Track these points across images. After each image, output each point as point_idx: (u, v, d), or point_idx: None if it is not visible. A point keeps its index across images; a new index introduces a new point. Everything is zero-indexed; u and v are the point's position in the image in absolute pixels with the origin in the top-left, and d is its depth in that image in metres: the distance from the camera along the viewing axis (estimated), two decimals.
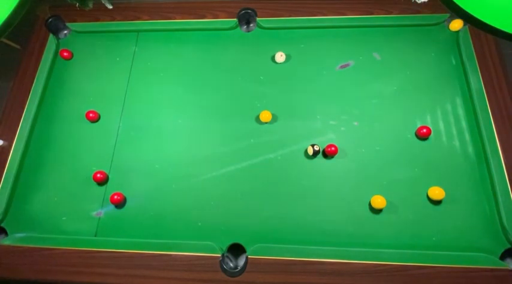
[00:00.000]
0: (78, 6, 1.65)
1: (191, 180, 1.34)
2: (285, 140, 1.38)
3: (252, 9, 1.58)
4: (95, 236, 1.28)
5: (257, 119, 1.42)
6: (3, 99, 1.50)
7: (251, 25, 1.61)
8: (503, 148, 1.27)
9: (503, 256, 1.16)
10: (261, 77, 1.50)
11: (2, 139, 1.41)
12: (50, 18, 1.62)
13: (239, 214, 1.28)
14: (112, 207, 1.31)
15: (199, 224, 1.28)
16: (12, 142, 1.41)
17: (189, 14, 1.62)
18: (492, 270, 1.12)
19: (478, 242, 1.18)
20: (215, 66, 1.54)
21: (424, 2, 1.53)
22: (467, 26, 1.48)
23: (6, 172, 1.36)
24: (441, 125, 1.36)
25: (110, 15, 1.64)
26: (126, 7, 1.67)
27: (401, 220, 1.23)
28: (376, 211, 1.25)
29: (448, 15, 1.51)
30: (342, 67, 1.49)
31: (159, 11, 1.64)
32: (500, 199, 1.21)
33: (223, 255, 1.19)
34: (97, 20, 1.64)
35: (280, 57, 1.49)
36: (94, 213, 1.32)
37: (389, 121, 1.38)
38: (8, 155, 1.39)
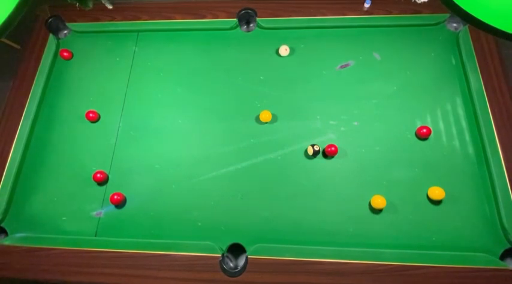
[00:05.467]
0: (78, 6, 1.65)
1: (191, 180, 1.34)
2: (285, 140, 1.38)
3: (252, 9, 1.58)
4: (95, 236, 1.28)
5: (257, 119, 1.42)
6: (3, 99, 1.50)
7: (251, 25, 1.61)
8: (503, 148, 1.27)
9: (503, 256, 1.16)
10: (261, 77, 1.50)
11: None
12: (50, 18, 1.62)
13: (239, 214, 1.28)
14: (112, 207, 1.31)
15: (199, 224, 1.28)
16: (12, 142, 1.41)
17: (189, 14, 1.62)
18: (492, 270, 1.12)
19: (478, 242, 1.19)
20: (215, 66, 1.54)
21: (424, 2, 1.53)
22: (467, 26, 1.48)
23: (6, 172, 1.36)
24: (441, 125, 1.36)
25: (110, 15, 1.64)
26: (126, 7, 1.66)
27: (401, 220, 1.23)
28: (376, 211, 1.25)
29: (448, 15, 1.51)
30: (342, 67, 1.49)
31: (159, 11, 1.64)
32: (500, 199, 1.21)
33: (223, 255, 1.19)
34: (97, 20, 1.64)
35: (284, 51, 1.49)
36: (94, 213, 1.32)
37: (390, 121, 1.38)
38: (8, 155, 1.39)
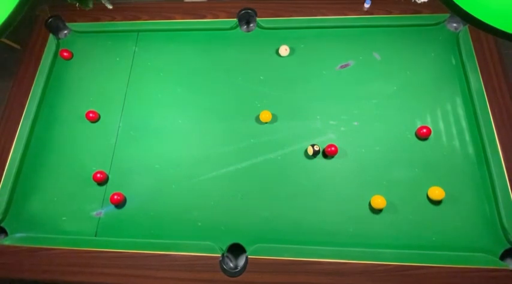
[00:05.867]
0: (78, 6, 1.65)
1: (191, 180, 1.34)
2: (285, 140, 1.38)
3: (252, 9, 1.58)
4: (95, 236, 1.28)
5: (257, 119, 1.42)
6: (3, 99, 1.50)
7: (251, 25, 1.61)
8: (503, 148, 1.27)
9: (503, 256, 1.16)
10: (261, 77, 1.50)
11: None
12: (50, 18, 1.62)
13: (239, 214, 1.28)
14: (112, 207, 1.31)
15: (199, 224, 1.28)
16: (12, 142, 1.41)
17: (189, 14, 1.62)
18: (492, 270, 1.12)
19: (478, 242, 1.19)
20: (215, 66, 1.54)
21: (424, 2, 1.53)
22: (467, 26, 1.48)
23: (6, 172, 1.36)
24: (441, 125, 1.36)
25: (110, 15, 1.64)
26: (126, 7, 1.67)
27: (401, 220, 1.23)
28: (376, 211, 1.25)
29: (448, 15, 1.51)
30: (342, 67, 1.49)
31: (159, 11, 1.64)
32: (500, 199, 1.21)
33: (223, 255, 1.19)
34: (97, 20, 1.64)
35: (284, 51, 1.49)
36: (94, 213, 1.32)
37: (390, 121, 1.38)
38: (8, 155, 1.39)
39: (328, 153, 1.32)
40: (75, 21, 1.65)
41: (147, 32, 1.63)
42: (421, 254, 1.16)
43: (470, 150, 1.31)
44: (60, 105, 1.51)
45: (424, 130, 1.32)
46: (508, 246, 1.17)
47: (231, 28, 1.59)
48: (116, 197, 1.29)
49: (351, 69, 1.49)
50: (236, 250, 1.21)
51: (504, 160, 1.25)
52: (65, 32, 1.66)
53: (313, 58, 1.52)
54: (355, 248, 1.18)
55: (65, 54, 1.59)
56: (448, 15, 1.51)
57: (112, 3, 1.65)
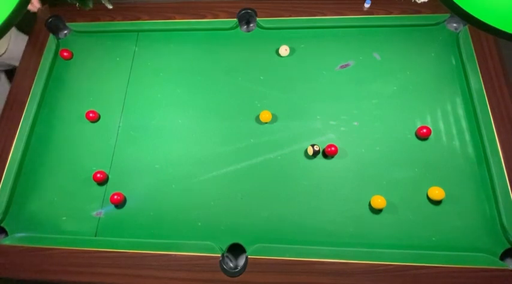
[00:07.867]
0: (78, 6, 1.65)
1: (191, 180, 1.34)
2: (285, 140, 1.38)
3: (252, 9, 1.58)
4: (95, 236, 1.28)
5: (257, 119, 1.42)
6: (3, 99, 1.50)
7: (251, 25, 1.61)
8: (503, 148, 1.27)
9: (503, 256, 1.16)
10: (261, 77, 1.50)
11: None
12: (50, 18, 1.62)
13: (239, 214, 1.28)
14: (112, 207, 1.31)
15: (199, 224, 1.28)
16: (12, 142, 1.41)
17: (189, 14, 1.62)
18: (492, 270, 1.12)
19: (478, 242, 1.18)
20: (215, 66, 1.54)
21: (424, 1, 1.53)
22: (467, 26, 1.48)
23: (6, 172, 1.36)
24: (441, 125, 1.36)
25: (110, 15, 1.64)
26: (126, 7, 1.66)
27: (401, 220, 1.23)
28: (376, 211, 1.25)
29: (448, 15, 1.51)
30: (342, 67, 1.49)
31: (159, 11, 1.64)
32: (500, 199, 1.21)
33: (223, 255, 1.19)
34: (97, 20, 1.64)
35: (284, 51, 1.49)
36: (94, 213, 1.32)
37: (389, 121, 1.38)
38: (8, 155, 1.39)
39: (328, 153, 1.32)
40: (75, 21, 1.65)
41: (147, 32, 1.63)
42: (421, 254, 1.16)
43: (470, 150, 1.31)
44: (60, 105, 1.51)
45: (424, 130, 1.32)
46: (508, 246, 1.17)
47: (231, 28, 1.59)
48: (116, 197, 1.29)
49: (351, 69, 1.49)
50: (236, 250, 1.21)
51: (504, 160, 1.25)
52: (65, 32, 1.66)
53: (313, 58, 1.52)
54: (355, 248, 1.18)
55: (65, 54, 1.59)
56: (448, 15, 1.51)
57: (112, 3, 1.65)
